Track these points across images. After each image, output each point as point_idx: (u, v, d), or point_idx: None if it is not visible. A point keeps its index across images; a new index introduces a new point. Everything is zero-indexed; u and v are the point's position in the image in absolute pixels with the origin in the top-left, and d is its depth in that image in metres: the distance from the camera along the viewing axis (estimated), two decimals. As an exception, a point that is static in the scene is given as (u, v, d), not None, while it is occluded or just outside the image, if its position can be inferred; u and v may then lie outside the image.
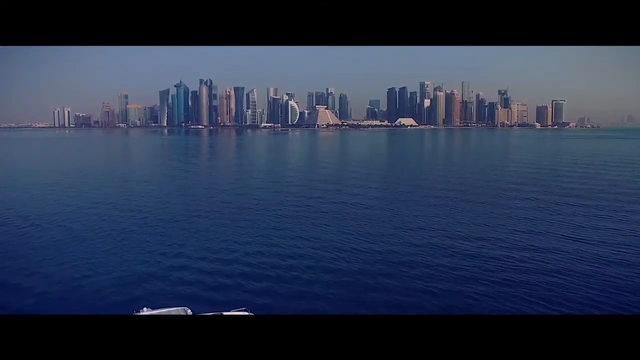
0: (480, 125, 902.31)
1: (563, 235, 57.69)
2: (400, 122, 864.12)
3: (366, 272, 45.43)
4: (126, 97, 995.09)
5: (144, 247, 54.52)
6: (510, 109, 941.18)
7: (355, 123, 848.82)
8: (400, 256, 50.40)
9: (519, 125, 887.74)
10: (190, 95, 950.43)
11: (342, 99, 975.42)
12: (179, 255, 50.97)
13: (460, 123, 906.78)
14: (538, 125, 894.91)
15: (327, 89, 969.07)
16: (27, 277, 45.15)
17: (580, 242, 55.00)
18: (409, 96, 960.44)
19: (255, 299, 37.71)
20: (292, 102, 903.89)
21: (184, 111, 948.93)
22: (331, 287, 41.99)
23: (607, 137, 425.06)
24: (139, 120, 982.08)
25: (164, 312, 30.11)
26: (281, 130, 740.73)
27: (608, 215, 69.78)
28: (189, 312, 30.59)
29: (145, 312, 30.09)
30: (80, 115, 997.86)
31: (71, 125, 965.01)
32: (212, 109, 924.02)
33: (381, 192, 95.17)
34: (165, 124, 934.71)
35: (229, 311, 31.16)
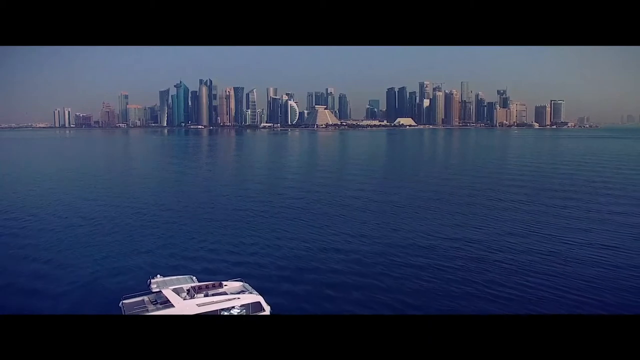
0: (479, 125, 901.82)
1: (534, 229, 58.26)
2: (399, 122, 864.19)
3: (362, 268, 45.67)
4: (126, 97, 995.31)
5: (154, 232, 62.80)
6: (508, 108, 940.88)
7: (354, 123, 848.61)
8: (398, 254, 50.54)
9: (517, 125, 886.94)
10: (190, 95, 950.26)
11: (342, 98, 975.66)
12: (184, 236, 59.50)
13: (459, 123, 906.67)
14: (536, 125, 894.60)
15: (327, 89, 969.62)
16: (40, 272, 45.96)
17: (551, 237, 55.50)
18: (408, 96, 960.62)
19: (249, 271, 44.84)
20: (291, 102, 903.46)
21: (184, 111, 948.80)
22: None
23: (602, 136, 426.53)
24: (139, 120, 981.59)
25: (173, 279, 36.00)
26: (280, 130, 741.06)
27: (573, 208, 72.42)
28: (194, 279, 36.67)
29: (159, 278, 35.50)
30: (81, 115, 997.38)
31: (71, 126, 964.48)
32: (212, 109, 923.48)
33: (379, 191, 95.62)
34: (165, 124, 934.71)
35: (226, 280, 37.20)
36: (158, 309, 33.26)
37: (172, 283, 35.18)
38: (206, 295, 34.46)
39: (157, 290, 34.38)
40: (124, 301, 34.40)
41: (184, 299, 33.74)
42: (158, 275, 36.27)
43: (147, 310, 33.13)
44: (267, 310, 35.37)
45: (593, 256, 50.02)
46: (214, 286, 35.71)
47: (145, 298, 34.79)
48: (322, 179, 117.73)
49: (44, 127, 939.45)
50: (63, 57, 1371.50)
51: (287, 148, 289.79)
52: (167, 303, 33.63)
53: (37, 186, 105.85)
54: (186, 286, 35.10)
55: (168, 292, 33.78)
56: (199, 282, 36.47)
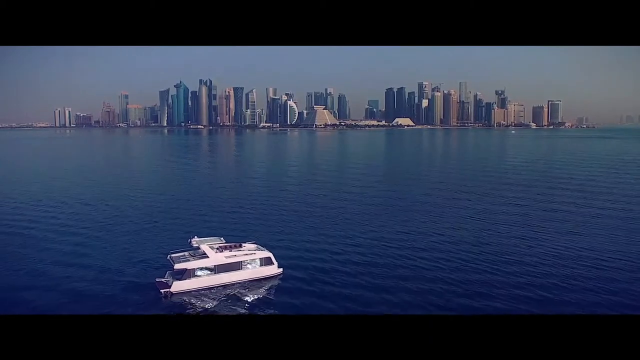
0: (477, 125, 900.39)
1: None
2: (397, 122, 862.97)
3: (362, 268, 45.72)
4: (126, 97, 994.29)
5: (186, 210, 77.54)
6: (506, 109, 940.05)
7: (353, 123, 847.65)
8: (397, 254, 50.57)
9: (515, 125, 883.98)
10: (190, 95, 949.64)
11: (341, 99, 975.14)
12: (211, 214, 75.29)
13: (457, 123, 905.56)
14: (534, 125, 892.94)
15: (326, 89, 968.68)
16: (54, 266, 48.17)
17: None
18: (407, 96, 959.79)
19: (261, 236, 56.91)
20: (290, 102, 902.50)
21: (183, 111, 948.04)
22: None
23: (594, 137, 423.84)
24: (139, 120, 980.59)
25: (207, 239, 46.50)
26: (280, 130, 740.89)
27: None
28: (222, 239, 46.98)
29: (197, 238, 45.75)
30: (81, 115, 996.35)
31: (72, 125, 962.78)
32: (212, 109, 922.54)
33: (379, 191, 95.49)
34: (165, 124, 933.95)
35: (244, 242, 47.34)
36: (196, 259, 43.33)
37: (206, 241, 45.64)
38: (230, 251, 44.96)
39: (197, 246, 44.74)
40: (171, 255, 44.09)
41: (216, 253, 44.09)
42: (195, 237, 46.40)
43: (189, 260, 43.14)
44: (276, 264, 45.43)
45: (593, 256, 50.04)
46: (235, 246, 46.08)
47: (186, 253, 44.48)
48: (320, 176, 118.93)
49: (44, 127, 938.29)
50: (63, 57, 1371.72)
51: (285, 147, 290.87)
52: (203, 255, 43.82)
53: (51, 182, 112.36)
54: (216, 244, 45.59)
55: (205, 247, 44.26)
56: (225, 242, 46.55)
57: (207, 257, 43.42)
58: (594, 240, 56.40)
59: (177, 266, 42.12)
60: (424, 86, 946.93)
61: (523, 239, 57.31)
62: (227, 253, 44.31)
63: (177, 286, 41.11)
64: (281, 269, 45.50)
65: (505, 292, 40.29)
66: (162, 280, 42.47)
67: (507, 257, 49.90)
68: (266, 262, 45.14)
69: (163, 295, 40.36)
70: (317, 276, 44.50)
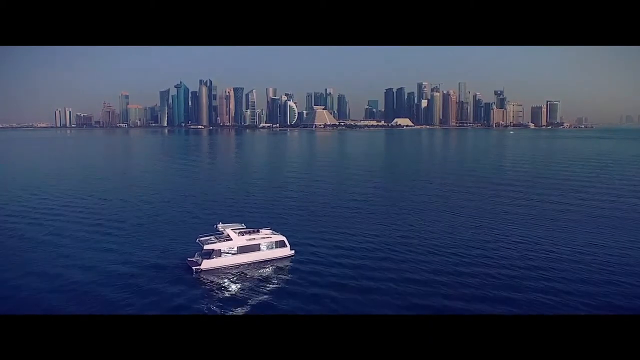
0: (476, 125, 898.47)
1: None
2: (396, 122, 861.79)
3: (363, 268, 45.78)
4: (127, 97, 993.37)
5: (210, 202, 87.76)
6: (505, 109, 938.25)
7: (352, 123, 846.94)
8: (397, 255, 50.59)
9: (513, 126, 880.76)
10: (190, 95, 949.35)
11: (341, 99, 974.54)
12: (231, 205, 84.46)
13: (456, 123, 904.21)
14: (532, 125, 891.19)
15: (326, 90, 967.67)
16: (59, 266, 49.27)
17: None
18: (406, 96, 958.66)
19: (275, 224, 61.78)
20: (290, 103, 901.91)
21: (184, 111, 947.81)
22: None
23: (594, 137, 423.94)
24: (140, 120, 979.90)
25: (231, 224, 53.09)
26: (279, 130, 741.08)
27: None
28: (243, 225, 53.56)
29: (220, 224, 52.20)
30: (82, 115, 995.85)
31: (72, 125, 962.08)
32: (212, 109, 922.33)
33: (379, 191, 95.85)
34: (166, 124, 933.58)
35: (261, 228, 53.35)
36: (222, 242, 49.61)
37: (230, 227, 52.15)
38: (250, 235, 51.32)
39: (222, 230, 51.22)
40: (200, 238, 50.51)
41: (238, 236, 50.47)
42: (220, 222, 53.00)
43: (216, 243, 49.43)
44: (288, 246, 51.91)
45: (593, 256, 50.04)
46: (254, 231, 52.51)
47: (213, 237, 50.60)
48: (320, 175, 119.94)
49: (44, 127, 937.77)
50: (63, 57, 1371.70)
51: (286, 147, 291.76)
52: (228, 238, 50.18)
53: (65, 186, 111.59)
54: (238, 229, 52.01)
55: (229, 231, 50.98)
56: (246, 227, 52.87)
57: (231, 239, 50.06)
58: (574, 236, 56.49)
59: (205, 247, 48.67)
60: (423, 86, 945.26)
61: (509, 235, 57.29)
62: (247, 237, 50.96)
63: (206, 264, 47.52)
64: (293, 251, 51.88)
65: (504, 292, 40.29)
66: (193, 259, 48.90)
67: (506, 256, 49.90)
68: (281, 244, 51.74)
69: (194, 271, 46.46)
70: (326, 257, 50.83)
